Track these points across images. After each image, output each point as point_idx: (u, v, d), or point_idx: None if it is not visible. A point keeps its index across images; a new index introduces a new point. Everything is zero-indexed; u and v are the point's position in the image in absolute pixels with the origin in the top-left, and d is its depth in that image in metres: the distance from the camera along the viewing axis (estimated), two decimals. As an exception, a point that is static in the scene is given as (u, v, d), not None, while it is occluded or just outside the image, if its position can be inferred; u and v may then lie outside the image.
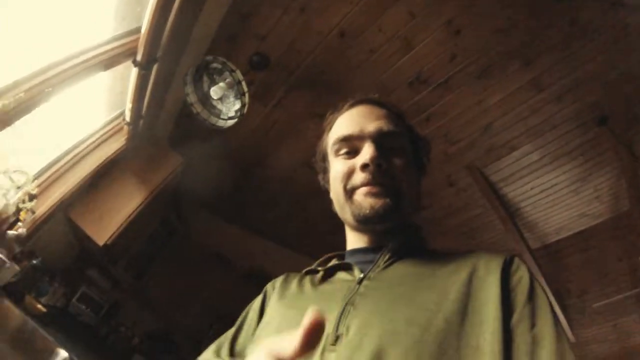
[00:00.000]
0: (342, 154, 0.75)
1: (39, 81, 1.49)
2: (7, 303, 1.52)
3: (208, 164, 2.97)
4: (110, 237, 2.14)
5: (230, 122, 2.23)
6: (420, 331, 0.54)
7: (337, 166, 0.74)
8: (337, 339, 0.57)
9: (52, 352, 1.66)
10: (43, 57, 1.44)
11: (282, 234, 3.54)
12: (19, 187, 1.62)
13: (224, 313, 3.04)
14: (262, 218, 3.47)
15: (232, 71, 2.13)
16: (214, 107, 2.20)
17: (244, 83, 2.14)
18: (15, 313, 1.53)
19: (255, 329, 0.77)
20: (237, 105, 2.18)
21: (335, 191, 0.75)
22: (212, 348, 0.80)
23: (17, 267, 1.58)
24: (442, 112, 2.15)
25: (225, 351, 0.77)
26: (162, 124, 2.59)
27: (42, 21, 1.38)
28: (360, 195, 0.69)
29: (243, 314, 0.84)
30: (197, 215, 3.49)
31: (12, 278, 1.55)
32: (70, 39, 1.50)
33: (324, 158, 0.82)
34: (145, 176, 2.41)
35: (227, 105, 2.21)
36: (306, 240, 3.40)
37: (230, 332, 0.82)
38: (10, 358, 1.30)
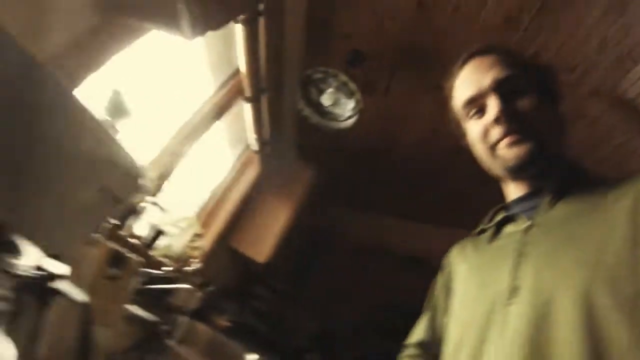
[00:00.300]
0: (472, 116, 0.76)
1: (175, 144, 1.78)
2: (197, 324, 1.88)
3: (340, 164, 3.09)
4: (268, 254, 2.44)
5: (350, 122, 2.28)
6: (590, 271, 0.53)
7: (472, 129, 0.77)
8: (514, 292, 0.60)
9: (242, 357, 2.01)
10: (170, 124, 1.71)
11: (433, 213, 3.41)
12: (187, 232, 1.97)
13: (388, 302, 3.13)
14: (407, 202, 3.44)
15: (334, 76, 2.17)
16: (330, 112, 2.28)
17: (350, 83, 2.15)
18: (204, 330, 1.90)
19: (446, 305, 0.82)
20: (351, 104, 2.22)
21: (479, 152, 0.77)
22: (411, 339, 0.89)
23: (199, 295, 1.94)
24: (548, 43, 1.79)
25: (426, 337, 0.86)
26: (287, 142, 2.80)
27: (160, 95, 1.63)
28: (502, 148, 0.70)
29: (429, 295, 0.90)
30: (341, 214, 3.64)
31: (198, 304, 1.91)
32: (184, 103, 1.74)
33: (458, 124, 0.83)
34: (285, 193, 2.66)
35: (342, 107, 2.26)
36: (459, 211, 3.21)
37: (424, 318, 0.90)
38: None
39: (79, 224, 0.44)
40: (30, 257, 0.35)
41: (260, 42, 1.73)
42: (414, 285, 3.22)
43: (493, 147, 0.72)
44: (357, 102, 2.19)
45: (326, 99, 2.23)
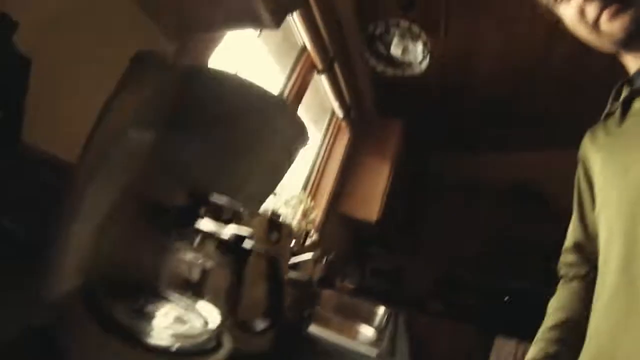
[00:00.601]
0: (561, 0, 0.71)
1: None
2: (325, 290, 2.05)
3: (423, 111, 3.02)
4: (377, 213, 2.49)
5: (424, 64, 2.25)
6: None
7: (566, 13, 0.71)
8: None
9: (374, 311, 2.15)
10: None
11: (525, 138, 3.19)
12: (299, 209, 2.11)
13: (501, 235, 3.03)
14: (497, 133, 3.26)
15: (396, 25, 2.13)
16: (402, 62, 2.26)
17: (413, 27, 2.11)
18: (332, 295, 2.07)
19: (591, 198, 0.78)
20: (420, 47, 2.18)
21: (582, 35, 0.71)
22: (566, 244, 0.86)
23: (322, 264, 2.09)
24: None
25: (580, 237, 0.82)
26: (369, 102, 2.80)
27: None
28: (604, 24, 0.64)
29: (574, 194, 0.86)
30: (436, 158, 3.57)
31: (322, 273, 2.06)
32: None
33: (550, 11, 0.78)
34: (379, 150, 2.69)
35: (412, 52, 2.23)
36: (551, 130, 2.97)
37: (573, 218, 0.85)
38: (338, 321, 1.80)
39: (265, 185, 0.52)
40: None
41: (315, 14, 1.77)
42: (521, 216, 3.09)
43: (594, 25, 0.65)
44: (425, 44, 2.14)
45: (395, 49, 2.20)
